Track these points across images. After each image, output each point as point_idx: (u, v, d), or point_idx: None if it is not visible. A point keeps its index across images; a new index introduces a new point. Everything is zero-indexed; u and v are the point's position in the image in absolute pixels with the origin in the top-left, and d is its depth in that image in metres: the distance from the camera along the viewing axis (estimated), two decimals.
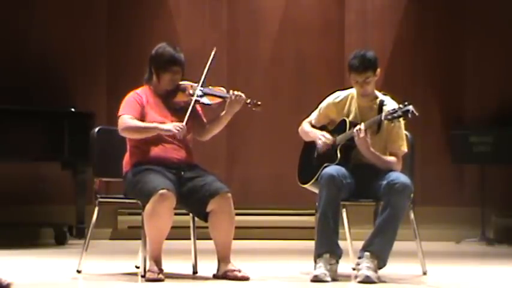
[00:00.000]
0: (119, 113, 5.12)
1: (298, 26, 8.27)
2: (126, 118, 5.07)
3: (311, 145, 5.34)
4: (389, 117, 5.01)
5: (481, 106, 8.12)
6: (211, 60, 5.18)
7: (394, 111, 4.99)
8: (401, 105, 4.99)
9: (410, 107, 4.95)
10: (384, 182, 5.00)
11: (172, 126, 5.02)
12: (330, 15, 8.28)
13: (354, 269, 5.35)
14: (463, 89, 8.20)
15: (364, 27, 8.20)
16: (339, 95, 5.34)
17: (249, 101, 5.16)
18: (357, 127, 5.05)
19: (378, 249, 4.94)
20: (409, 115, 4.94)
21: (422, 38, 8.22)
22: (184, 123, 5.02)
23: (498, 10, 8.15)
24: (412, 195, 5.04)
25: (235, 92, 5.15)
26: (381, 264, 4.97)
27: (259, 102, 5.18)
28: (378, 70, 5.17)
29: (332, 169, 5.03)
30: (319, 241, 5.02)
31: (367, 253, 4.94)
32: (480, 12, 8.16)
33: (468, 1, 8.20)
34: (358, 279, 4.88)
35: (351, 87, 5.30)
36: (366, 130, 5.03)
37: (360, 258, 4.97)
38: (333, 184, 4.97)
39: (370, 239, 4.98)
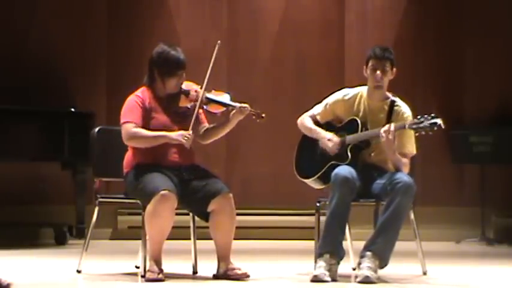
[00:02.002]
0: (122, 120, 5.05)
1: (298, 26, 8.27)
2: (131, 127, 5.01)
3: (312, 139, 5.30)
4: (414, 126, 4.95)
5: (481, 106, 8.12)
6: (215, 55, 5.13)
7: (420, 121, 4.92)
8: (426, 116, 4.92)
9: (439, 120, 4.87)
10: (386, 182, 4.99)
11: (180, 135, 4.99)
12: (330, 15, 8.28)
13: (354, 269, 5.36)
14: (463, 89, 8.20)
15: (364, 28, 8.20)
16: (348, 92, 5.29)
17: (253, 111, 5.13)
18: (385, 128, 4.97)
19: (380, 249, 4.94)
20: (435, 128, 4.88)
21: (422, 38, 8.22)
22: (190, 131, 5.00)
23: (498, 10, 8.15)
24: (414, 195, 5.02)
25: (241, 104, 5.12)
26: (382, 264, 4.96)
27: (263, 114, 5.15)
28: (394, 70, 5.16)
29: (345, 171, 4.98)
30: (323, 241, 5.00)
31: (368, 253, 4.93)
32: (480, 12, 8.16)
33: (468, 1, 8.20)
34: (358, 279, 4.88)
35: (355, 86, 5.28)
36: (394, 132, 4.96)
37: (361, 257, 4.96)
38: (347, 186, 4.94)
39: (372, 239, 4.97)
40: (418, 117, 4.98)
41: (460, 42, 8.19)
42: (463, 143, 7.77)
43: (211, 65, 5.11)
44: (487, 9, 8.15)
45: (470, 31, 8.17)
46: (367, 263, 4.91)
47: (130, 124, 5.02)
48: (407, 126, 4.99)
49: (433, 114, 4.93)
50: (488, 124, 8.02)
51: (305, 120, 5.36)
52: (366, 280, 4.84)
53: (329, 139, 5.18)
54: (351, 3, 8.24)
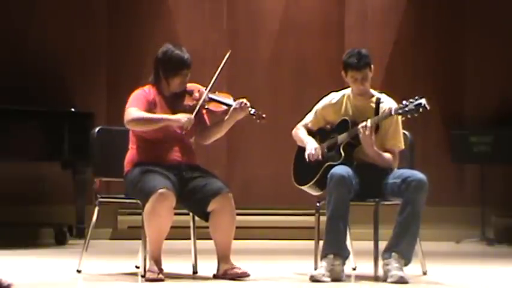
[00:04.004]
0: (126, 107, 5.07)
1: (298, 26, 8.27)
2: (133, 110, 5.03)
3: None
4: (400, 111, 4.98)
5: (481, 106, 8.12)
6: (224, 64, 5.15)
7: (405, 105, 4.95)
8: (411, 100, 4.96)
9: (423, 101, 4.90)
10: (398, 180, 4.99)
11: (181, 116, 5.01)
12: (330, 15, 8.28)
13: (354, 269, 5.37)
14: (463, 88, 8.20)
15: (364, 28, 8.20)
16: (334, 97, 5.32)
17: (253, 111, 5.14)
18: (363, 124, 5.02)
19: (404, 249, 4.96)
20: (421, 109, 4.90)
21: (422, 38, 8.22)
22: (192, 115, 5.00)
23: (498, 10, 8.15)
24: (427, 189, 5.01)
25: (241, 100, 5.13)
26: (407, 262, 4.98)
27: (264, 115, 5.16)
28: (372, 67, 5.17)
29: (341, 170, 4.99)
30: (326, 241, 5.00)
31: (394, 254, 4.94)
32: (480, 12, 8.16)
33: (468, 1, 8.20)
34: (391, 280, 4.87)
35: (347, 88, 5.30)
36: (371, 127, 5.01)
37: (387, 258, 4.96)
38: (343, 185, 4.94)
39: (395, 239, 4.98)
40: (403, 102, 5.00)
41: (460, 42, 8.19)
42: (463, 143, 7.77)
43: (218, 70, 5.12)
44: (487, 9, 8.15)
45: (470, 31, 8.17)
46: (395, 263, 4.92)
47: (133, 108, 5.03)
48: (393, 112, 5.02)
49: (416, 97, 4.95)
50: (488, 124, 8.01)
51: (299, 132, 5.38)
52: (401, 280, 4.85)
53: (315, 148, 5.18)
54: (351, 4, 8.24)
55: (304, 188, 5.31)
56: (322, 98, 5.39)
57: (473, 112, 8.14)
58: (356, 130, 5.08)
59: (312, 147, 5.21)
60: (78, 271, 5.29)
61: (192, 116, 5.01)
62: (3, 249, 6.67)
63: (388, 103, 5.19)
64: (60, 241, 7.36)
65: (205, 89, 5.15)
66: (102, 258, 6.19)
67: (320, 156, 5.17)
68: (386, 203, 5.15)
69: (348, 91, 5.28)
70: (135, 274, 5.22)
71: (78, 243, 7.07)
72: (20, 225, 7.59)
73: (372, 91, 5.24)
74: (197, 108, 5.08)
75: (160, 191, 4.85)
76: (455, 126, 8.00)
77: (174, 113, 5.11)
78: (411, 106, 4.93)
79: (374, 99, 5.22)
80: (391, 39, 8.15)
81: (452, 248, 7.51)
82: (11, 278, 4.36)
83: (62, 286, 5.00)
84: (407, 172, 5.06)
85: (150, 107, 5.09)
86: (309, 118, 5.39)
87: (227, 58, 5.16)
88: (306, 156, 5.19)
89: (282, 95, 8.17)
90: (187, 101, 5.15)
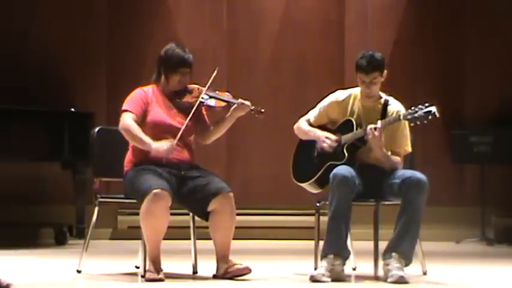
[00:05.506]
0: (123, 107, 5.10)
1: (298, 26, 8.27)
2: (128, 118, 5.05)
3: (308, 143, 5.31)
4: (409, 117, 4.96)
5: (481, 106, 8.12)
6: (213, 78, 5.18)
7: (415, 111, 4.94)
8: (421, 106, 4.95)
9: (433, 108, 4.88)
10: (398, 181, 4.99)
11: (162, 144, 4.98)
12: (330, 15, 8.28)
13: (354, 269, 5.36)
14: (463, 88, 8.20)
15: (364, 28, 8.20)
16: (340, 95, 5.30)
17: (252, 107, 5.16)
18: (372, 125, 5.00)
19: (405, 249, 4.95)
20: (430, 117, 4.88)
21: (422, 38, 8.22)
22: (174, 142, 4.99)
23: (498, 10, 8.15)
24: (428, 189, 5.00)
25: (241, 100, 5.15)
26: (407, 263, 4.98)
27: (262, 110, 5.17)
28: (385, 72, 5.12)
29: (344, 170, 4.98)
30: (327, 241, 4.99)
31: (394, 254, 4.94)
32: (480, 11, 8.17)
33: (468, 1, 8.20)
34: (391, 280, 4.87)
35: (352, 87, 5.29)
36: (381, 129, 5.00)
37: (387, 259, 4.96)
38: (346, 185, 4.94)
39: (396, 240, 4.97)
40: (412, 107, 4.98)
41: (460, 42, 8.19)
42: (463, 143, 7.77)
43: (212, 77, 5.14)
44: (487, 9, 8.15)
45: (470, 31, 8.17)
46: (395, 263, 4.91)
47: (129, 114, 5.06)
48: (402, 116, 5.01)
49: (427, 104, 4.93)
50: (488, 124, 8.02)
51: (301, 125, 5.36)
52: (401, 280, 4.84)
53: (326, 137, 5.19)
54: (351, 4, 8.24)
55: (304, 185, 5.30)
56: (327, 95, 5.37)
57: (473, 112, 8.14)
58: (363, 131, 5.07)
59: (323, 138, 5.19)
60: (78, 271, 5.29)
61: (174, 143, 4.99)
62: (3, 249, 6.67)
63: (395, 106, 5.17)
64: (60, 241, 7.36)
65: (204, 87, 5.17)
66: (102, 258, 6.19)
67: (334, 144, 5.15)
68: (386, 203, 5.15)
69: (355, 91, 5.25)
70: (135, 274, 5.22)
71: (78, 243, 7.07)
72: (20, 225, 7.59)
73: (380, 93, 5.22)
74: (196, 104, 5.10)
75: (154, 191, 4.84)
76: (455, 126, 8.01)
77: (172, 109, 5.13)
78: (420, 113, 4.91)
79: (382, 101, 5.20)
80: (391, 39, 8.15)
81: (452, 248, 7.51)
82: (11, 278, 4.36)
83: (62, 286, 5.00)
84: (407, 172, 5.05)
85: (146, 108, 5.10)
86: (312, 114, 5.37)
87: (214, 76, 5.17)
88: (323, 145, 5.17)
89: (282, 95, 8.17)
90: (187, 99, 5.18)
